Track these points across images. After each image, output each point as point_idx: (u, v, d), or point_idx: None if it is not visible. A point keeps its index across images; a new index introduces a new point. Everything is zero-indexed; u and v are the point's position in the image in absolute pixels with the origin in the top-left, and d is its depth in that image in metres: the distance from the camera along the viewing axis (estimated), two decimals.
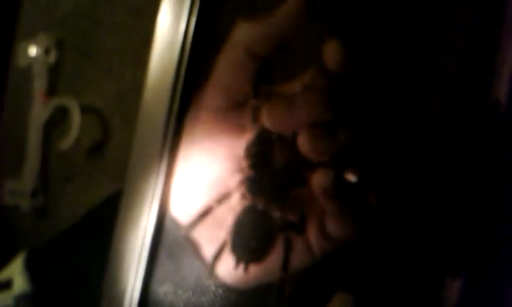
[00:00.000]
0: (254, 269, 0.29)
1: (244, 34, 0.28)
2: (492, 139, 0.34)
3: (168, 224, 0.31)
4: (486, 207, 0.34)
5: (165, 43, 0.30)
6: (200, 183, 0.30)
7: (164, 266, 0.31)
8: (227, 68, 0.29)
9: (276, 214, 0.29)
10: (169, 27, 0.29)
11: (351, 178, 0.26)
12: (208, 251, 0.30)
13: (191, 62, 0.29)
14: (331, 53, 0.26)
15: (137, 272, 0.31)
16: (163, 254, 0.31)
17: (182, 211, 0.31)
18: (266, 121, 0.27)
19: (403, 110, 0.33)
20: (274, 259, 0.29)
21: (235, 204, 0.29)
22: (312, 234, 0.29)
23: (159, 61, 0.30)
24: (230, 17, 0.30)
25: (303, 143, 0.27)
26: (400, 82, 0.32)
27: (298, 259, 0.29)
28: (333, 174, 0.26)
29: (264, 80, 0.27)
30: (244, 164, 0.29)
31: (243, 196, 0.29)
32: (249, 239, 0.29)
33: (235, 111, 0.29)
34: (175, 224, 0.31)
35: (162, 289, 0.31)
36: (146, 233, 0.30)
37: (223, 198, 0.30)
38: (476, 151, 0.34)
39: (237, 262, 0.29)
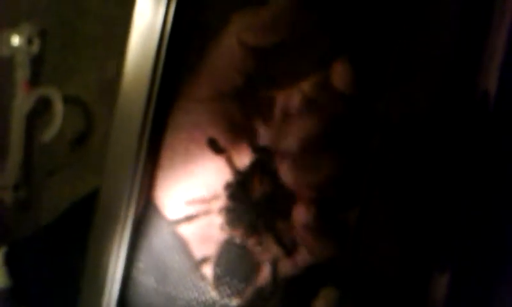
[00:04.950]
0: None
1: (238, 25, 0.28)
2: (481, 132, 0.33)
3: (151, 217, 0.30)
4: (474, 202, 0.34)
5: (144, 30, 0.29)
6: (187, 176, 0.29)
7: (146, 260, 0.30)
8: (218, 58, 0.29)
9: (256, 248, 0.28)
10: (148, 14, 0.29)
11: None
12: (194, 247, 0.30)
13: (170, 50, 0.29)
14: (341, 74, 0.25)
15: (115, 266, 0.30)
16: (145, 248, 0.30)
17: (168, 204, 0.30)
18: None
19: (389, 102, 0.33)
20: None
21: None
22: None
23: (138, 49, 0.29)
24: (211, 4, 0.29)
25: (286, 173, 0.26)
26: (385, 72, 0.32)
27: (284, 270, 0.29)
28: (315, 211, 0.26)
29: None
30: (222, 193, 0.28)
31: (221, 227, 0.28)
32: (231, 276, 0.28)
33: (221, 102, 0.29)
34: (160, 217, 0.30)
35: (144, 283, 0.30)
36: (126, 225, 0.30)
37: (210, 210, 0.29)
38: (464, 144, 0.33)
39: (222, 298, 0.29)
